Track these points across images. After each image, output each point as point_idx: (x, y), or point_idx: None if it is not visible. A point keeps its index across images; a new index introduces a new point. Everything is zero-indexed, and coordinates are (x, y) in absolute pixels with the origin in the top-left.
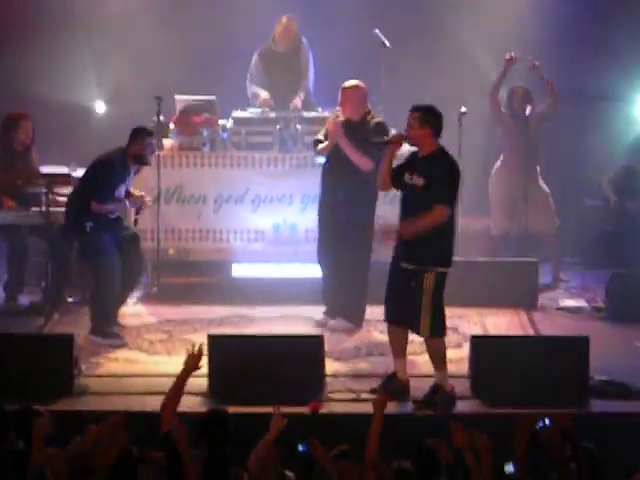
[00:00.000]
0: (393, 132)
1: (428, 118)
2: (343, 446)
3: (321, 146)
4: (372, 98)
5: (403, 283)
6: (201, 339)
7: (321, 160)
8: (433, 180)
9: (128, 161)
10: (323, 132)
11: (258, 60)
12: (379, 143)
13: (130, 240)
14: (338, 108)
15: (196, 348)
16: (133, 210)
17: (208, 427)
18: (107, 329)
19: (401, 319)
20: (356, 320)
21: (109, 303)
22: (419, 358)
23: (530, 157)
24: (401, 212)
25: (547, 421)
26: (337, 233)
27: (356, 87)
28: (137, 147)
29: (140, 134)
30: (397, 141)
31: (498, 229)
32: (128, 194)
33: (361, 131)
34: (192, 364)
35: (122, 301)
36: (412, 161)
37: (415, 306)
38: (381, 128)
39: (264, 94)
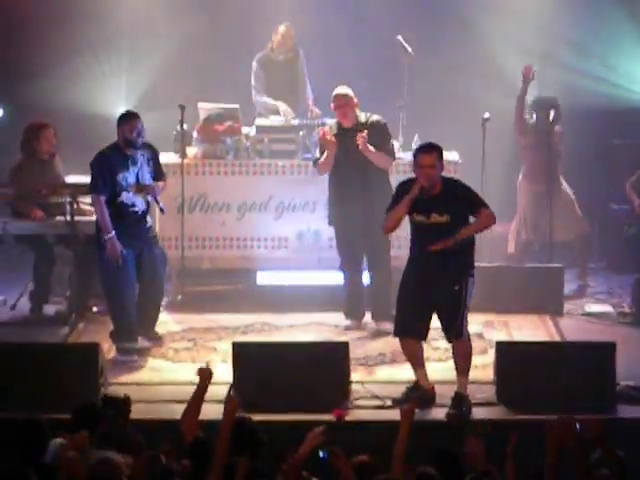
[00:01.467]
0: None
1: (442, 154)
2: (363, 456)
3: (322, 161)
4: (395, 104)
5: (444, 290)
6: (225, 347)
7: (324, 174)
8: (460, 207)
9: (123, 149)
10: (319, 149)
11: (259, 67)
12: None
13: (152, 260)
14: (325, 123)
15: (202, 369)
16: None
17: (234, 435)
18: (126, 345)
19: (422, 334)
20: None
21: (124, 319)
22: (442, 365)
23: (552, 166)
24: (425, 250)
25: (577, 426)
26: (370, 236)
27: (348, 94)
28: (123, 131)
29: (122, 118)
30: (418, 189)
31: (516, 241)
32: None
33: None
34: (205, 377)
35: (148, 314)
36: (422, 202)
37: (456, 310)
38: (382, 127)
39: (282, 106)
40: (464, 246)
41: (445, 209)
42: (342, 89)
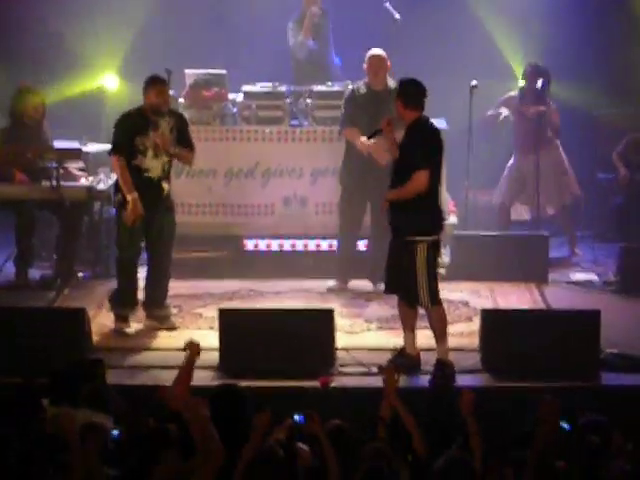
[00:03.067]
0: None
1: (399, 91)
2: (336, 420)
3: (364, 139)
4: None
5: (397, 256)
6: (212, 313)
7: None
8: (407, 149)
9: (147, 114)
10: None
11: (295, 28)
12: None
13: (160, 229)
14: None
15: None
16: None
17: (220, 401)
18: (119, 310)
19: (398, 290)
20: None
21: (122, 285)
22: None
23: (541, 134)
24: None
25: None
26: (376, 201)
27: (382, 56)
28: (149, 97)
29: (148, 82)
30: (385, 127)
31: (500, 197)
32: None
33: (388, 100)
34: (193, 352)
35: (156, 285)
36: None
37: (411, 278)
38: None
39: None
40: (412, 207)
41: (401, 144)
42: (377, 50)
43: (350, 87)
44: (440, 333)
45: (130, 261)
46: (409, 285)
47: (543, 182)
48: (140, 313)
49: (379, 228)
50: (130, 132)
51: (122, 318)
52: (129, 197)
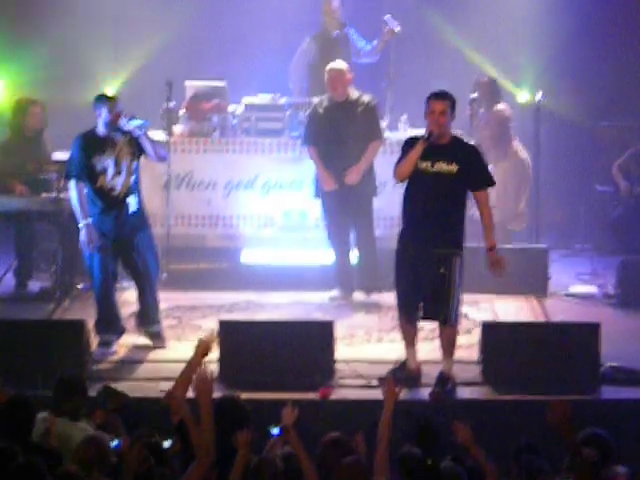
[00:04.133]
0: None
1: (455, 105)
2: (334, 433)
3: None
4: (381, 84)
5: (431, 269)
6: (211, 325)
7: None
8: (470, 164)
9: (101, 132)
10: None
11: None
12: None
13: (136, 247)
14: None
15: (207, 334)
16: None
17: (220, 413)
18: (104, 336)
19: (419, 309)
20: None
21: (101, 309)
22: (428, 345)
23: (497, 144)
24: (419, 205)
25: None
26: (354, 212)
27: (342, 69)
28: (98, 114)
29: (97, 100)
30: (430, 136)
31: None
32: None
33: (350, 110)
34: (203, 349)
35: (143, 305)
36: (428, 149)
37: (442, 294)
38: (372, 110)
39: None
40: (450, 222)
41: (453, 158)
42: (336, 64)
43: (314, 101)
44: (451, 350)
45: (102, 287)
46: (438, 298)
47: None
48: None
49: (362, 236)
50: (86, 155)
51: (104, 343)
52: (81, 224)
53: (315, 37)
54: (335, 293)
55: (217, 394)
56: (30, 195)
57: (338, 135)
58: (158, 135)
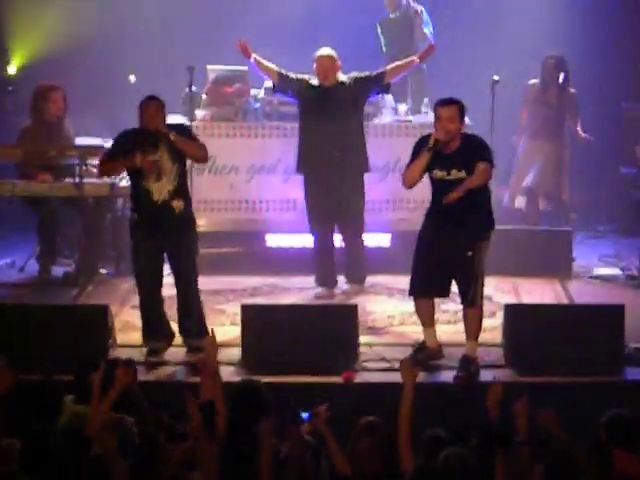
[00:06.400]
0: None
1: (464, 110)
2: (370, 417)
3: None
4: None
5: (457, 253)
6: (234, 309)
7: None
8: (475, 160)
9: (145, 134)
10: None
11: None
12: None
13: (176, 254)
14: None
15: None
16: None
17: (241, 397)
18: (148, 344)
19: (444, 292)
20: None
21: (143, 316)
22: (451, 327)
23: (555, 125)
24: (442, 207)
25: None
26: (342, 197)
27: (332, 56)
28: (140, 118)
29: (140, 105)
30: (435, 145)
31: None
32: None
33: (339, 91)
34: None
35: (181, 316)
36: (439, 157)
37: (469, 277)
38: (358, 74)
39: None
40: (478, 205)
41: (463, 164)
42: (326, 50)
43: (305, 77)
44: (475, 332)
45: (146, 290)
46: (466, 281)
47: (545, 172)
48: None
49: (347, 221)
50: (128, 144)
51: (151, 352)
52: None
53: (380, 22)
54: (319, 290)
55: (238, 378)
56: (53, 180)
57: (327, 118)
58: (177, 119)
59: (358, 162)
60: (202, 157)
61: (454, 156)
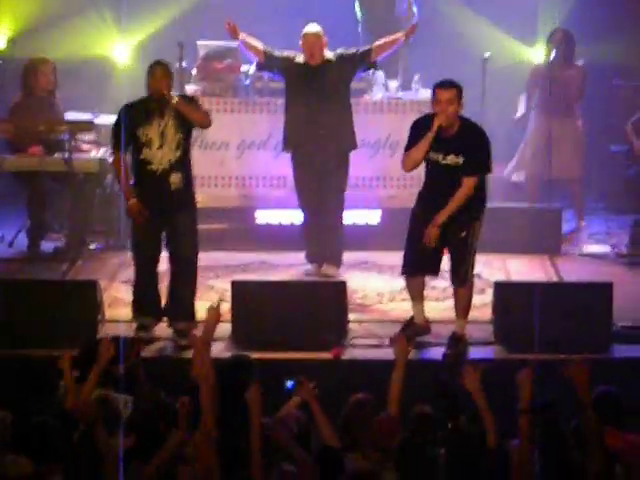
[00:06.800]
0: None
1: (462, 93)
2: (360, 394)
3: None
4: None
5: (451, 232)
6: (224, 285)
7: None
8: (471, 155)
9: (150, 103)
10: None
11: None
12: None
13: (173, 230)
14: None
15: (215, 304)
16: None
17: (230, 372)
18: (136, 319)
19: (435, 270)
20: (340, 264)
21: (135, 289)
22: (440, 304)
23: (565, 100)
24: (435, 189)
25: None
26: (324, 177)
27: (319, 33)
28: (149, 83)
29: (148, 69)
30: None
31: (517, 175)
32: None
33: (326, 70)
34: (212, 317)
35: (174, 295)
36: (438, 141)
37: (461, 257)
38: (346, 52)
39: None
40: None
41: (461, 150)
42: (313, 27)
43: (291, 55)
44: (465, 310)
45: (141, 264)
46: (458, 260)
47: (560, 149)
48: None
49: (328, 198)
50: (131, 124)
51: (140, 327)
52: (129, 202)
53: None
54: (309, 267)
55: (228, 354)
56: (42, 155)
57: (313, 96)
58: None
59: (344, 140)
60: (205, 122)
61: (452, 140)
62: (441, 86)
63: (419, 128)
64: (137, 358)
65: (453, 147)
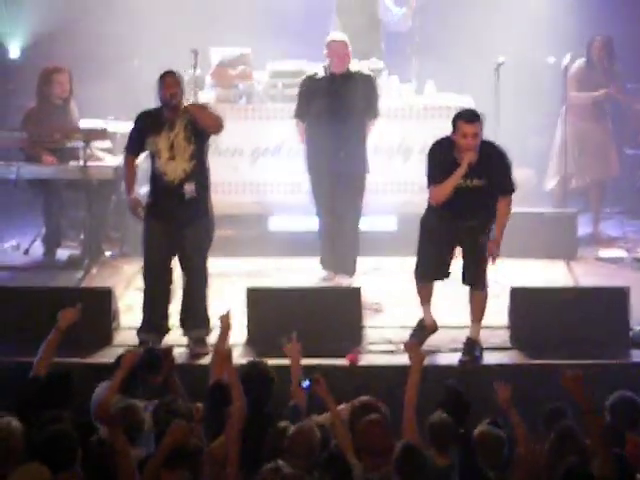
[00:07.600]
0: None
1: (483, 122)
2: (364, 397)
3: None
4: (406, 49)
5: (468, 238)
6: (238, 292)
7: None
8: (495, 177)
9: (163, 113)
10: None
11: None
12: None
13: (184, 242)
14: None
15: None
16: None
17: (248, 378)
18: (140, 336)
19: (446, 275)
20: (353, 274)
21: (145, 299)
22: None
23: (599, 104)
24: (453, 207)
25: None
26: (341, 185)
27: (346, 41)
28: (160, 93)
29: (159, 79)
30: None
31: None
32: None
33: (350, 82)
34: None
35: (185, 307)
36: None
37: (478, 262)
38: (372, 83)
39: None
40: (485, 205)
41: (483, 173)
42: (339, 35)
43: (305, 76)
44: (480, 315)
45: (151, 278)
46: (473, 265)
47: (589, 153)
48: None
49: (342, 212)
50: (143, 131)
51: (141, 343)
52: (129, 196)
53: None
54: (325, 273)
55: (243, 360)
56: (58, 163)
57: (336, 108)
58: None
59: (359, 169)
60: (218, 126)
61: (474, 165)
62: (466, 120)
63: (439, 156)
64: (173, 367)
65: (476, 172)
